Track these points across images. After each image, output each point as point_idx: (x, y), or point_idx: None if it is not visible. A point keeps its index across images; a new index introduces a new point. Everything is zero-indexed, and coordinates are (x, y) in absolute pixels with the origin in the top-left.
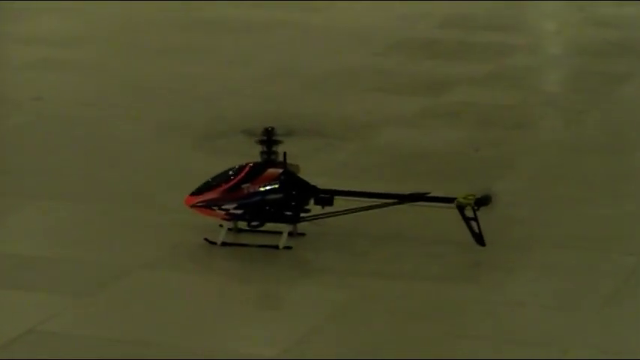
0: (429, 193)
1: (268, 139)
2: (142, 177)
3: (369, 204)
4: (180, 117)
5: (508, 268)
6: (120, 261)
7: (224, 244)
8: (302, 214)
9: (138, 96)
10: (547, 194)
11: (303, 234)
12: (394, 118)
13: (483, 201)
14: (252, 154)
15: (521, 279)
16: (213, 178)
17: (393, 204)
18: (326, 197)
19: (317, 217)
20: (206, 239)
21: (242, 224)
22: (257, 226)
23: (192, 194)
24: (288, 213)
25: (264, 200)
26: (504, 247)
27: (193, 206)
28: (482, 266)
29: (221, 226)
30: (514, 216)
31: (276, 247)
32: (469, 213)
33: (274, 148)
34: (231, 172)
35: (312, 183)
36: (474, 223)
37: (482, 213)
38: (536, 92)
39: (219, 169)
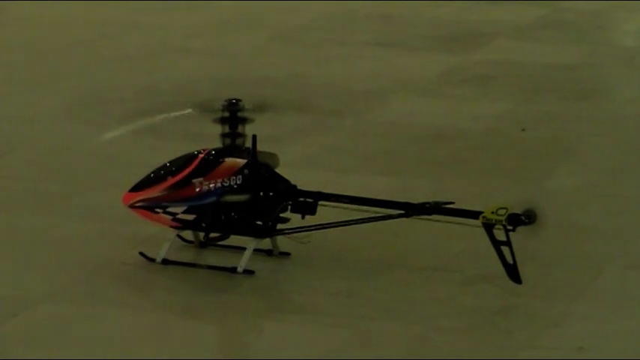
0: (450, 203)
1: (232, 116)
2: (49, 170)
3: (367, 214)
4: (98, 85)
5: (564, 300)
6: (19, 291)
7: (166, 262)
8: (279, 225)
9: (35, 54)
10: (621, 193)
11: (287, 254)
12: (405, 84)
13: (522, 218)
14: (210, 135)
15: (582, 314)
16: (161, 168)
17: (399, 216)
18: (307, 203)
19: (297, 229)
20: (142, 254)
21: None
22: (217, 240)
23: (132, 190)
24: (259, 223)
25: (222, 203)
26: (560, 268)
27: (132, 207)
28: (523, 301)
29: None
30: (574, 224)
31: (234, 270)
32: (501, 234)
33: (240, 129)
34: (180, 162)
35: (291, 179)
36: (506, 250)
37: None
38: (608, 47)
39: (160, 158)
